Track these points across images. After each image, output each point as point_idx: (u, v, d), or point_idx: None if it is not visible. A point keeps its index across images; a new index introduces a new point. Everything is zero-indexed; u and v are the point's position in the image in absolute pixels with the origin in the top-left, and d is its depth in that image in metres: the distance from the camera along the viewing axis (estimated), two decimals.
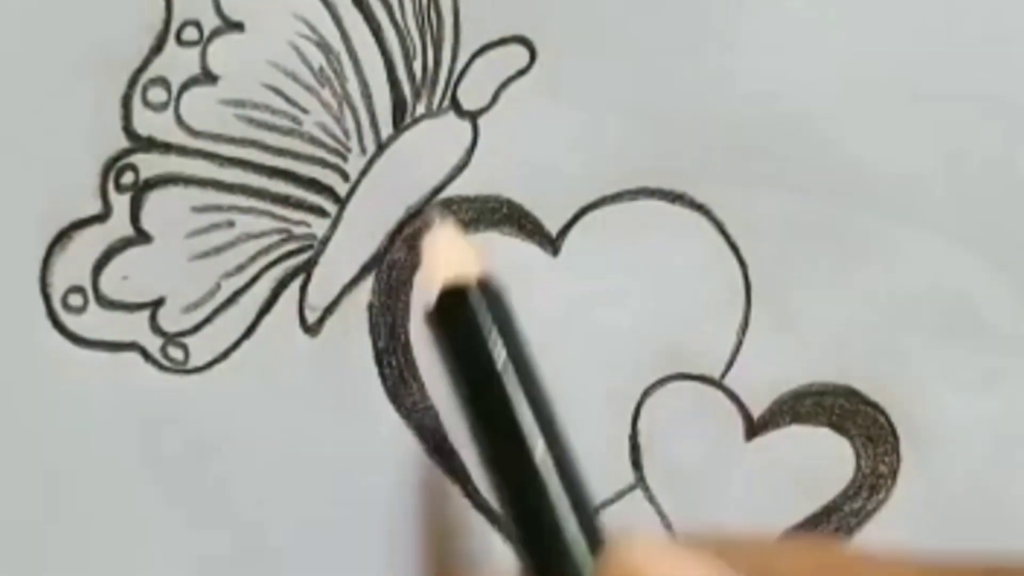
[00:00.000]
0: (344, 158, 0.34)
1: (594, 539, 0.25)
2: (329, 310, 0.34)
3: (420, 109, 0.34)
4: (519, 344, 0.27)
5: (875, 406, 0.35)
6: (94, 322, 0.33)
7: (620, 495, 0.35)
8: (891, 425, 0.35)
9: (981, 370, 0.35)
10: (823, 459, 0.35)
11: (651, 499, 0.35)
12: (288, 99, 0.33)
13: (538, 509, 0.26)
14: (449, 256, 0.28)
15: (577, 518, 0.25)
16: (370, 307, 0.34)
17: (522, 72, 0.34)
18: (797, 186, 0.35)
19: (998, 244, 0.35)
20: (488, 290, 0.27)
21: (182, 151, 0.33)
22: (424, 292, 0.28)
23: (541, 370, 0.27)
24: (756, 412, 0.35)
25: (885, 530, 0.35)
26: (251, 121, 0.33)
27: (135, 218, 0.33)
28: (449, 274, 0.27)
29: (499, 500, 0.26)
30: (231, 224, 0.34)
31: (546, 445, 0.26)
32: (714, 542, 0.25)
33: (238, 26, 0.33)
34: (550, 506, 0.25)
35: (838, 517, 0.35)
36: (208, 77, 0.33)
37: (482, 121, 0.34)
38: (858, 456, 0.35)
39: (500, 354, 0.26)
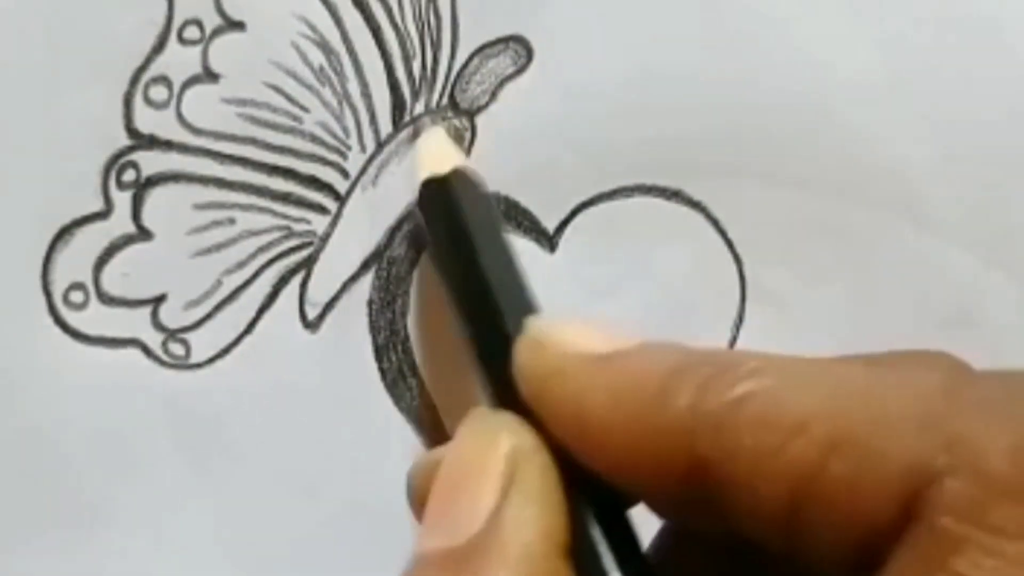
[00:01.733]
0: (344, 156, 0.34)
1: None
2: (329, 306, 0.34)
3: (419, 108, 0.34)
4: (492, 218, 0.32)
5: None
6: (95, 318, 0.33)
7: None
8: None
9: (977, 368, 0.35)
10: None
11: None
12: (289, 98, 0.34)
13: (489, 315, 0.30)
14: (434, 153, 0.33)
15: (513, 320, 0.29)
16: (370, 303, 0.34)
17: (520, 71, 0.35)
18: (793, 183, 0.35)
19: (997, 241, 0.35)
20: (464, 178, 0.33)
21: (183, 149, 0.33)
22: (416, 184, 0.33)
23: (511, 247, 0.31)
24: None
25: None
26: (252, 119, 0.34)
27: (136, 215, 0.33)
28: (433, 167, 0.33)
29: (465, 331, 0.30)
30: (232, 221, 0.34)
31: (503, 281, 0.30)
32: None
33: (239, 25, 0.33)
34: (500, 312, 0.29)
35: None
36: (209, 76, 0.33)
37: (480, 119, 0.35)
38: None
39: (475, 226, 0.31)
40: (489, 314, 0.29)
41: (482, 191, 0.33)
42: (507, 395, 0.27)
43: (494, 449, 0.26)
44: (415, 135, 0.34)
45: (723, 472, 0.24)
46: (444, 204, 0.32)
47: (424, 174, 0.33)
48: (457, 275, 0.31)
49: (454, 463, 0.27)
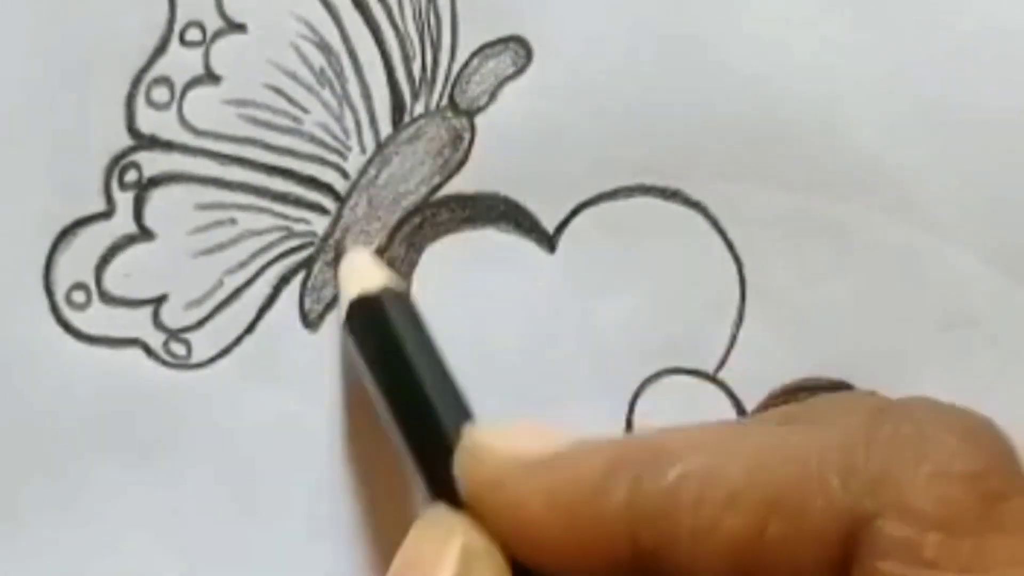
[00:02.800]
0: (344, 157, 0.34)
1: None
2: (329, 306, 0.34)
3: (419, 108, 0.34)
4: (424, 332, 0.33)
5: None
6: (97, 318, 0.34)
7: None
8: None
9: (978, 368, 0.35)
10: None
11: None
12: (289, 99, 0.34)
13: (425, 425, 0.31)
14: (360, 272, 0.33)
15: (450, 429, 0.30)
16: None
17: (519, 71, 0.35)
18: (792, 183, 0.35)
19: (998, 241, 0.35)
20: (393, 294, 0.33)
21: (185, 149, 0.34)
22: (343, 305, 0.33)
23: (443, 357, 0.32)
24: (750, 406, 0.35)
25: None
26: (253, 120, 0.34)
27: (138, 215, 0.34)
28: (360, 286, 0.33)
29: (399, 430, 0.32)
30: (233, 222, 0.34)
31: (441, 393, 0.31)
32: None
33: (240, 27, 0.33)
34: (436, 421, 0.31)
35: None
36: (211, 77, 0.33)
37: (480, 119, 0.35)
38: None
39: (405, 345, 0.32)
40: (430, 426, 0.31)
41: (412, 306, 0.33)
42: (453, 503, 0.28)
43: (446, 548, 0.27)
44: (337, 257, 0.34)
45: (668, 555, 0.25)
46: (376, 322, 0.33)
47: (352, 294, 0.33)
48: (394, 390, 0.32)
49: (406, 561, 0.28)
